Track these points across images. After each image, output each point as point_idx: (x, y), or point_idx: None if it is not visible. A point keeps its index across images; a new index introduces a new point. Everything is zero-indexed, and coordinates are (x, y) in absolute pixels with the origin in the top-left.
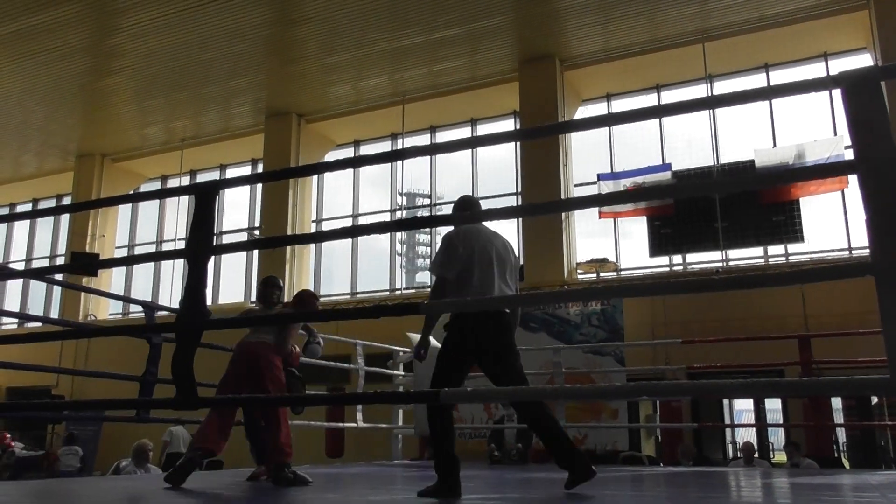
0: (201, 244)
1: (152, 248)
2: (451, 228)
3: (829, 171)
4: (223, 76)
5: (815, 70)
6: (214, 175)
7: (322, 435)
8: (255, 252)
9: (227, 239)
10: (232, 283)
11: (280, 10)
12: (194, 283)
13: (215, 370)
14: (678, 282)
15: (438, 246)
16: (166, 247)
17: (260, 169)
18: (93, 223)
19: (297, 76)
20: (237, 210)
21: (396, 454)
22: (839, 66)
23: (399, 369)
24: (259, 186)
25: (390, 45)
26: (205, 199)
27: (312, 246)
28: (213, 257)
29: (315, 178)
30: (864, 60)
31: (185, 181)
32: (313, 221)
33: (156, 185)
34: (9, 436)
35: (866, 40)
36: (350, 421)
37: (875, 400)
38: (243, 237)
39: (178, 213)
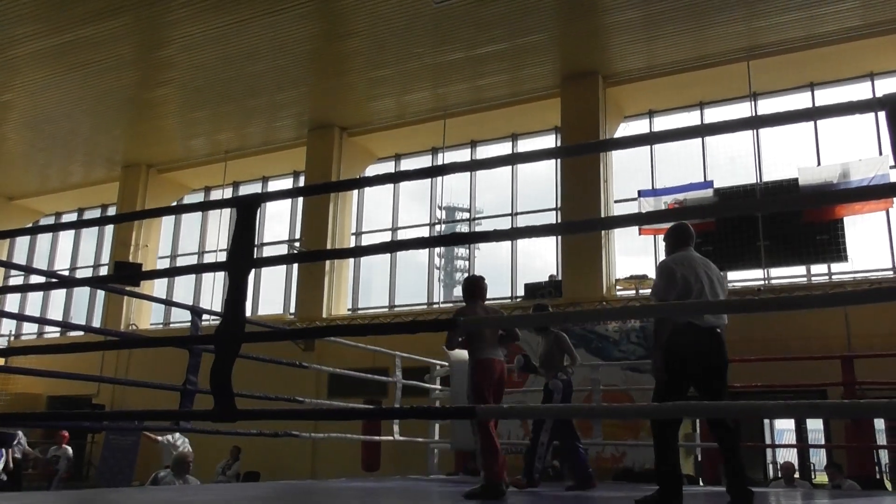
0: (242, 257)
1: (194, 259)
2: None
3: (874, 193)
4: (269, 89)
5: (861, 89)
6: (257, 187)
7: (358, 448)
8: (295, 265)
9: (267, 250)
10: (272, 294)
11: (327, 24)
12: (234, 296)
13: (255, 382)
14: (716, 301)
15: (655, 274)
16: (208, 258)
17: (302, 181)
18: (136, 233)
19: (341, 90)
20: (278, 222)
21: (432, 469)
22: (885, 86)
23: (436, 383)
24: (300, 199)
25: (434, 60)
26: (246, 213)
27: (352, 259)
28: (253, 270)
29: (356, 191)
30: None
31: (228, 193)
32: (353, 234)
33: (199, 196)
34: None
35: None
36: (386, 434)
37: None
38: (284, 249)
39: (220, 225)
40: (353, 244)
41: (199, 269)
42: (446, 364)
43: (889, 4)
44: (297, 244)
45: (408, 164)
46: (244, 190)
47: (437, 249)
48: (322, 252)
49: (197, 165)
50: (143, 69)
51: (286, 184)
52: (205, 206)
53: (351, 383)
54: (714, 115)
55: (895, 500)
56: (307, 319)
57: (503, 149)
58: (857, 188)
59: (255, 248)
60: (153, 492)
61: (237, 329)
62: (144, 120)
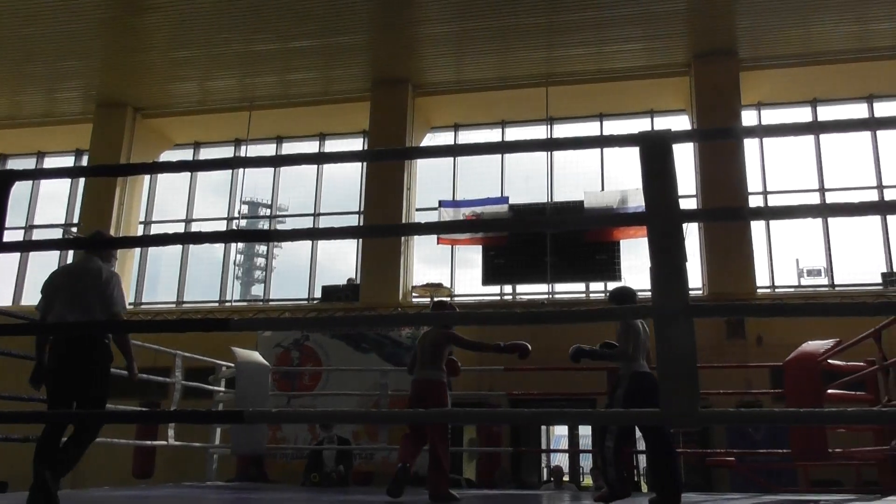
0: None
1: None
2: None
3: (624, 220)
4: (51, 56)
5: (642, 124)
6: (31, 162)
7: (130, 453)
8: (70, 252)
9: (39, 234)
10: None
11: None
12: None
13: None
14: (497, 312)
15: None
16: None
17: (85, 161)
18: None
19: (138, 67)
20: (55, 203)
21: (210, 475)
22: (663, 123)
23: (221, 385)
24: (82, 181)
25: (243, 48)
26: None
27: (137, 249)
28: (10, 255)
29: (147, 176)
30: (683, 121)
31: None
32: (141, 223)
33: None
34: None
35: (686, 103)
36: (162, 439)
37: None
38: (58, 233)
39: None
40: (140, 234)
41: None
42: (232, 365)
43: (667, 50)
44: (73, 230)
45: (208, 154)
46: (14, 164)
47: (234, 245)
48: (88, 240)
49: None
50: None
51: (67, 162)
52: None
53: (127, 383)
54: (514, 134)
55: (646, 499)
56: None
57: (310, 147)
58: (613, 214)
59: (23, 231)
60: None
61: None
62: None
